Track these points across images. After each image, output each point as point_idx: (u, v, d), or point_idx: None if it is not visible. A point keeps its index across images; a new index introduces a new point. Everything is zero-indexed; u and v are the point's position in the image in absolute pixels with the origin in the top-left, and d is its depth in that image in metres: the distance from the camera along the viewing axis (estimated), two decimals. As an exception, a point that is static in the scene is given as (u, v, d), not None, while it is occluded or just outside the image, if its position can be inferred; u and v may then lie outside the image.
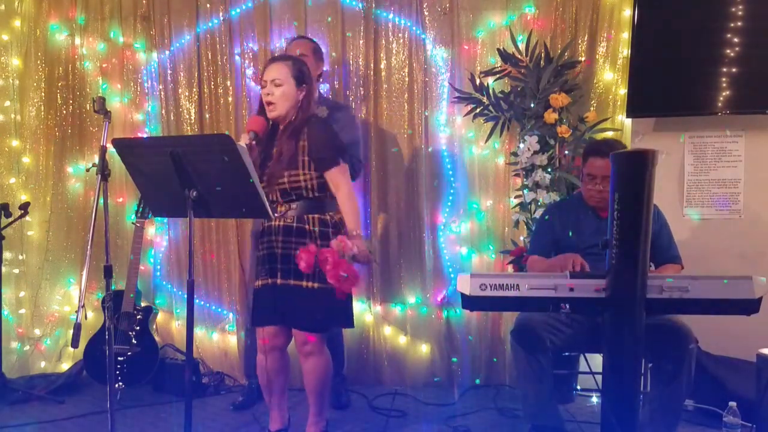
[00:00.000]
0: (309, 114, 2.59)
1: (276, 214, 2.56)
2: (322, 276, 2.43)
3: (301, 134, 2.53)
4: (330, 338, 3.37)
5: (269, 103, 2.53)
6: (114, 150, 2.25)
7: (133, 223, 3.60)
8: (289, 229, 2.54)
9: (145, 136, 3.87)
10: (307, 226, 2.53)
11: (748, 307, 2.14)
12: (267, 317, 2.58)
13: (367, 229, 3.75)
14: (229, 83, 3.81)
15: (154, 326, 3.84)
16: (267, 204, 2.24)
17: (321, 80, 3.46)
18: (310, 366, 2.60)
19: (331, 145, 2.53)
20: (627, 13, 3.47)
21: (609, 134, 3.48)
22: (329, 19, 3.72)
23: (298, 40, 3.37)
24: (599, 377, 2.20)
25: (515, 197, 3.58)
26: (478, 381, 3.68)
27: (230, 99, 3.82)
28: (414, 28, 3.69)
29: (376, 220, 3.76)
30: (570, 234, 2.82)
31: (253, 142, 2.51)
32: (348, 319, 2.65)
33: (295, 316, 2.56)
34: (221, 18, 3.80)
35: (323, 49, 3.49)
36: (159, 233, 3.99)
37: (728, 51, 3.19)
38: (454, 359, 3.70)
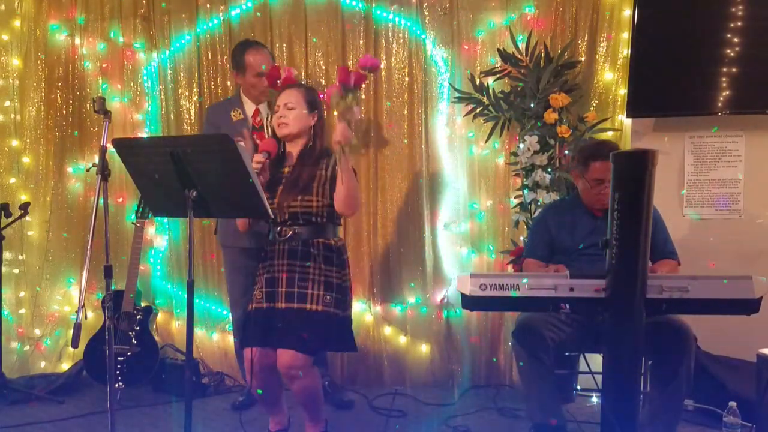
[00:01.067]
0: (325, 144, 2.64)
1: (280, 238, 2.56)
2: (324, 299, 2.49)
3: (320, 163, 2.57)
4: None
5: (280, 124, 2.57)
6: (114, 150, 2.25)
7: (133, 223, 3.60)
8: (294, 253, 2.55)
9: (145, 136, 3.87)
10: (312, 250, 2.54)
11: (748, 307, 2.14)
12: (260, 340, 2.52)
13: (367, 230, 3.75)
14: (229, 83, 3.81)
15: (154, 326, 3.84)
16: (267, 204, 2.25)
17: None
18: (298, 387, 2.55)
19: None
20: (627, 13, 3.47)
21: (609, 134, 3.48)
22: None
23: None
24: (599, 377, 2.20)
25: (515, 197, 3.58)
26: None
27: (230, 99, 3.82)
28: (414, 28, 3.69)
29: (376, 220, 3.76)
30: (565, 236, 2.82)
31: (266, 162, 2.54)
32: (350, 343, 2.62)
33: (290, 338, 2.48)
34: (221, 18, 3.80)
35: (322, 50, 3.47)
36: (159, 233, 3.99)
37: (728, 51, 3.19)
38: (454, 359, 3.70)
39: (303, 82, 3.31)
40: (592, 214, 2.83)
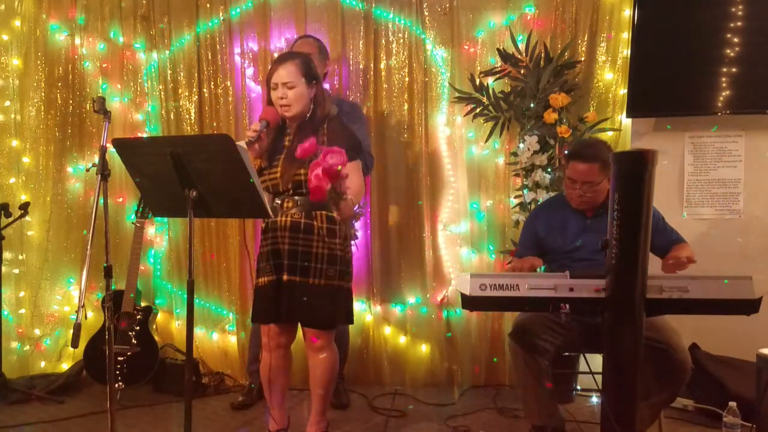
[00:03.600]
0: (326, 110, 2.62)
1: (282, 209, 2.56)
2: (327, 273, 2.50)
3: (320, 130, 2.57)
4: (338, 338, 3.38)
5: (284, 105, 2.55)
6: (114, 150, 2.25)
7: (133, 223, 3.60)
8: (297, 226, 2.54)
9: (145, 136, 3.87)
10: (314, 222, 2.54)
11: (748, 307, 2.14)
12: (271, 315, 2.57)
13: (367, 229, 3.75)
14: (229, 83, 3.82)
15: (154, 326, 3.84)
16: (267, 204, 2.24)
17: (326, 78, 3.46)
18: (320, 361, 2.60)
19: (347, 143, 2.53)
20: (627, 13, 3.48)
21: (609, 134, 3.48)
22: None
23: (303, 40, 3.38)
24: (599, 377, 2.20)
25: (515, 197, 3.58)
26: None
27: (230, 99, 3.82)
28: (414, 28, 3.69)
29: (376, 220, 3.76)
30: (555, 236, 2.82)
31: (264, 131, 2.52)
32: (349, 316, 2.67)
33: (306, 315, 2.56)
34: (221, 18, 3.80)
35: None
36: (159, 233, 3.99)
37: (728, 51, 3.19)
38: (454, 359, 3.70)
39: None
40: (582, 215, 2.82)
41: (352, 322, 2.71)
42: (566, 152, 2.89)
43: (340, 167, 2.24)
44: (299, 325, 2.65)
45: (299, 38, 3.42)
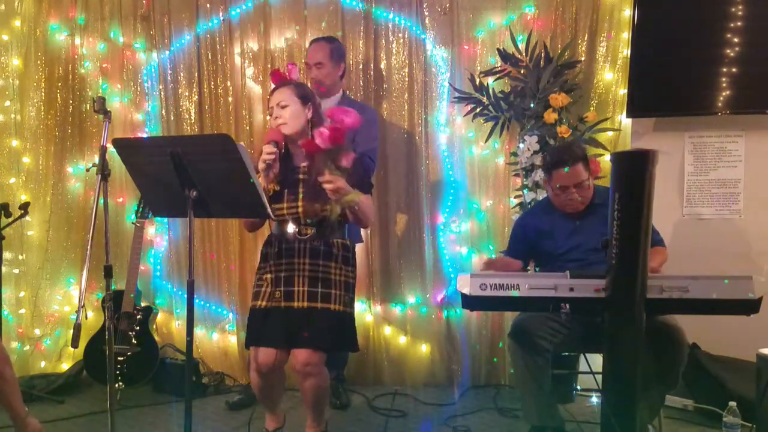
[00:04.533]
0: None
1: (301, 236, 2.53)
2: (344, 299, 2.53)
3: (334, 158, 2.51)
4: None
5: (280, 124, 2.53)
6: (114, 150, 2.25)
7: (133, 223, 3.60)
8: (317, 252, 2.53)
9: (145, 136, 3.87)
10: (333, 250, 2.55)
11: (748, 307, 2.14)
12: (273, 339, 2.50)
13: (367, 230, 3.74)
14: (229, 83, 3.82)
15: (154, 326, 3.84)
16: (267, 204, 2.24)
17: (343, 80, 3.44)
18: (309, 386, 2.56)
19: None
20: (627, 13, 3.48)
21: (609, 134, 3.48)
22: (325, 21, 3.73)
23: (315, 45, 3.35)
24: (599, 377, 2.20)
25: (515, 197, 3.58)
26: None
27: (230, 99, 3.82)
28: (414, 28, 3.69)
29: (375, 220, 3.76)
30: (547, 240, 2.82)
31: (277, 153, 2.48)
32: (355, 343, 2.66)
33: (308, 336, 2.49)
34: (221, 18, 3.80)
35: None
36: (159, 233, 3.99)
37: (728, 51, 3.19)
38: (454, 359, 3.70)
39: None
40: (570, 217, 2.81)
41: (357, 350, 2.69)
42: (544, 167, 2.87)
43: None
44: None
45: (312, 42, 3.40)
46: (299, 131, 2.55)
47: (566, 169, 2.68)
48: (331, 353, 2.63)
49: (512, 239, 2.99)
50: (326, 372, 2.60)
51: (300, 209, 2.51)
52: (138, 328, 3.57)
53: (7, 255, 3.82)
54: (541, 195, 3.39)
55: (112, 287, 2.40)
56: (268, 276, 2.56)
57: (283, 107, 2.53)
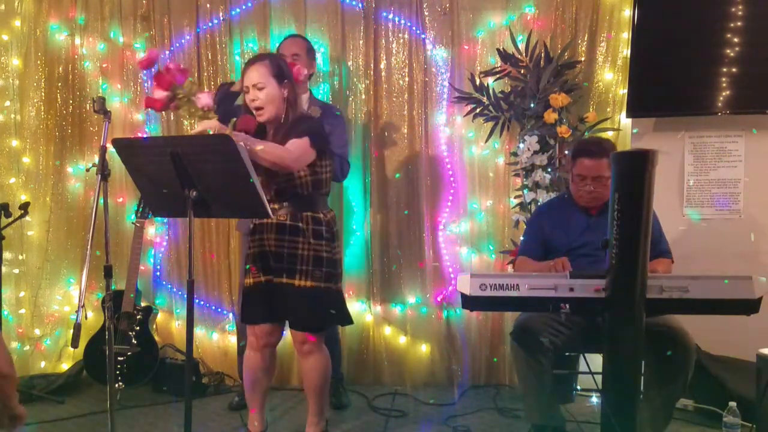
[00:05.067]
0: (300, 111, 2.61)
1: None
2: (314, 274, 2.50)
3: (291, 134, 2.51)
4: (327, 336, 3.38)
5: (257, 108, 2.52)
6: (114, 150, 2.25)
7: (133, 223, 3.60)
8: (283, 227, 2.53)
9: (145, 136, 3.87)
10: (300, 224, 2.53)
11: (748, 307, 2.14)
12: (260, 315, 2.59)
13: (367, 230, 3.74)
14: (229, 83, 3.81)
15: (154, 326, 3.84)
16: (267, 204, 2.24)
17: (310, 80, 3.43)
18: (311, 364, 2.61)
19: (309, 127, 2.50)
20: (627, 13, 3.47)
21: (609, 134, 3.48)
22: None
23: (290, 39, 3.37)
24: (599, 377, 2.20)
25: (515, 197, 3.58)
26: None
27: (230, 99, 3.82)
28: (414, 28, 3.69)
29: (376, 220, 3.76)
30: (559, 233, 2.82)
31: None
32: (345, 317, 2.67)
33: (294, 316, 2.58)
34: (221, 18, 3.80)
35: (322, 49, 3.48)
36: (159, 233, 3.99)
37: (728, 51, 3.19)
38: (454, 359, 3.70)
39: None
40: (586, 213, 2.82)
41: (350, 322, 2.70)
42: (570, 151, 2.90)
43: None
44: (288, 327, 2.67)
45: (287, 37, 3.41)
46: (274, 116, 2.53)
47: (590, 161, 2.70)
48: (320, 329, 2.61)
49: (528, 233, 2.98)
50: (326, 351, 2.64)
51: (261, 182, 2.49)
52: (138, 328, 3.57)
53: (7, 255, 3.82)
54: (542, 195, 3.40)
55: (112, 287, 2.40)
56: (249, 254, 2.62)
57: (260, 89, 2.50)
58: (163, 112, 3.88)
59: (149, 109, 2.39)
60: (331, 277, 2.58)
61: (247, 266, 2.63)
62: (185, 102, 2.45)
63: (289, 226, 2.53)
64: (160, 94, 2.43)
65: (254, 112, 2.53)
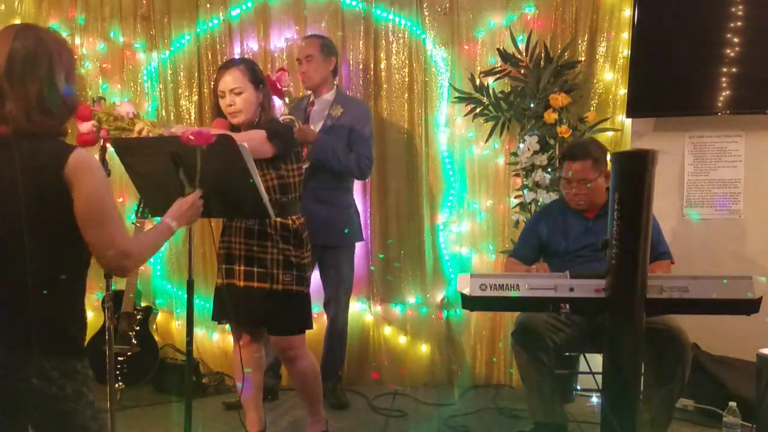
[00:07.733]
0: (270, 115, 2.58)
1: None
2: (284, 279, 2.50)
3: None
4: (335, 338, 3.38)
5: (233, 113, 2.51)
6: (113, 150, 2.25)
7: (133, 223, 3.59)
8: (251, 232, 2.53)
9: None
10: (269, 230, 2.52)
11: (748, 307, 2.14)
12: (225, 316, 2.65)
13: (367, 230, 3.74)
14: (229, 83, 3.81)
15: (154, 326, 3.84)
16: (268, 204, 2.24)
17: (336, 75, 3.45)
18: (298, 370, 2.59)
19: (272, 125, 2.49)
20: (627, 13, 3.47)
21: (609, 134, 3.49)
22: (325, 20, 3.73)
23: (306, 40, 3.40)
24: (599, 377, 2.20)
25: (515, 197, 3.58)
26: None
27: (230, 99, 3.81)
28: (414, 28, 3.69)
29: (375, 220, 3.76)
30: (558, 238, 2.82)
31: None
32: (305, 321, 2.62)
33: (272, 321, 2.56)
34: (221, 18, 3.80)
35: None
36: (159, 233, 3.98)
37: (728, 51, 3.19)
38: (454, 359, 3.70)
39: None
40: (583, 216, 2.82)
41: (310, 327, 2.65)
42: (561, 155, 2.92)
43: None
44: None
45: (304, 38, 3.42)
46: (249, 119, 2.52)
47: (573, 163, 2.71)
48: (297, 333, 2.59)
49: (523, 237, 3.00)
50: (309, 354, 2.63)
51: None
52: (138, 328, 3.56)
53: (7, 255, 3.81)
54: (542, 195, 3.40)
55: (112, 287, 2.40)
56: (219, 254, 2.64)
57: (238, 94, 2.48)
58: (163, 112, 3.88)
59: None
60: (302, 281, 2.57)
61: (219, 265, 2.63)
62: (112, 121, 2.41)
63: (258, 231, 2.52)
64: (86, 127, 2.38)
65: (229, 116, 2.53)
